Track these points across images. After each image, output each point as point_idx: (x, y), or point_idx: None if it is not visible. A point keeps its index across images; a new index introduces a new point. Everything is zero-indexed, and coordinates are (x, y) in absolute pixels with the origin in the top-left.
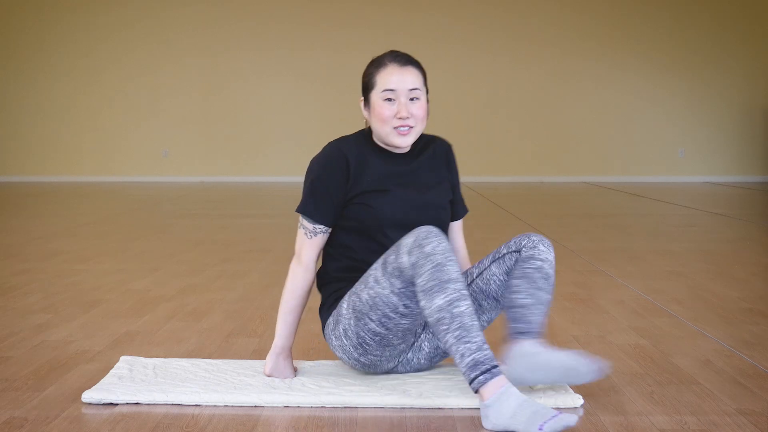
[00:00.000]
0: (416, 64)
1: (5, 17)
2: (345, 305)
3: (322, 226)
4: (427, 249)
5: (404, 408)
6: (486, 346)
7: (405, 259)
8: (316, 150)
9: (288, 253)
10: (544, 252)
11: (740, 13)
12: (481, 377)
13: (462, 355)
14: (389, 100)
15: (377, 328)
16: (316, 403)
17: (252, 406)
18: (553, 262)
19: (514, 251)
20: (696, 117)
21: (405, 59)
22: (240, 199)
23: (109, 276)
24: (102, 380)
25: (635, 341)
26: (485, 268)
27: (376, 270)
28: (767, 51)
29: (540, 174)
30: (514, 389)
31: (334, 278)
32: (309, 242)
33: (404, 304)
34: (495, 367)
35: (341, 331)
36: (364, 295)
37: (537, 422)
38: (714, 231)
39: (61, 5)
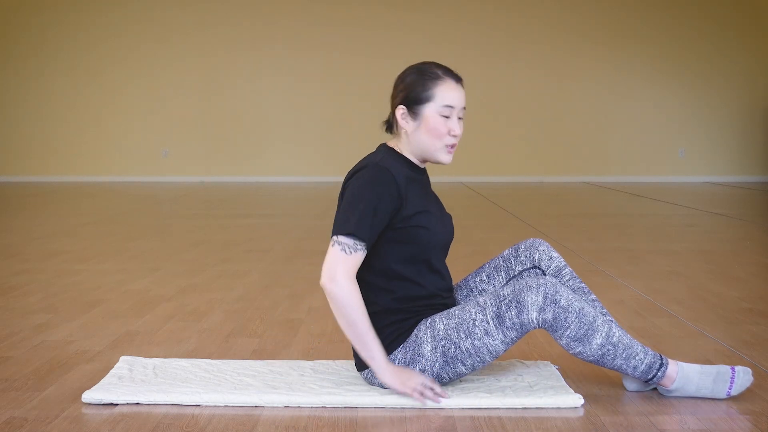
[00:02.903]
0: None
1: (5, 17)
2: (428, 347)
3: (363, 245)
4: (563, 303)
5: (404, 408)
6: (647, 348)
7: (535, 316)
8: (317, 150)
9: (287, 253)
10: (556, 257)
11: (740, 14)
12: (658, 373)
13: (635, 368)
14: (446, 116)
15: (465, 370)
16: (316, 403)
17: (252, 406)
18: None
19: (531, 267)
20: (696, 117)
21: (457, 76)
22: (240, 199)
23: (109, 276)
24: (102, 380)
25: None
26: (503, 287)
27: (485, 323)
28: (767, 51)
29: (540, 174)
30: (686, 366)
31: (389, 311)
32: (349, 258)
33: (505, 349)
34: (662, 359)
35: (417, 370)
36: (465, 344)
37: (723, 388)
38: (714, 231)
39: (61, 5)
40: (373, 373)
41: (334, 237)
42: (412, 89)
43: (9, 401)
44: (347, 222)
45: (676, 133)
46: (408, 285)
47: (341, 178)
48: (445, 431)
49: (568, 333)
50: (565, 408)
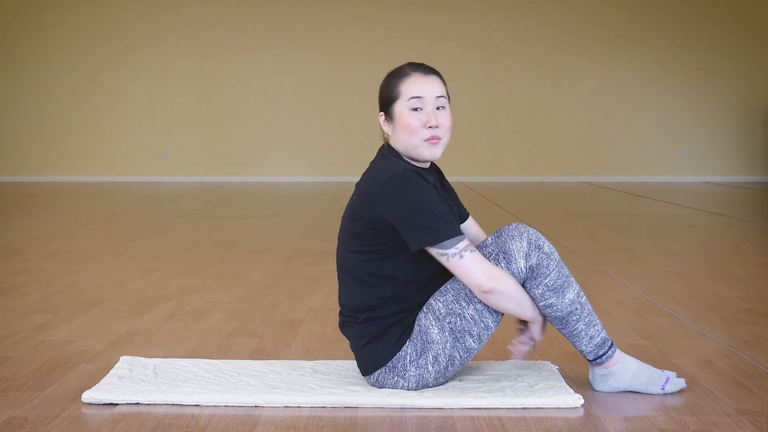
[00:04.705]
0: (439, 74)
1: (5, 17)
2: (436, 330)
3: (464, 235)
4: (546, 249)
5: (404, 408)
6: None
7: (523, 264)
8: (317, 150)
9: (287, 253)
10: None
11: (740, 14)
12: (609, 351)
13: (591, 337)
14: (416, 109)
15: (473, 344)
16: (316, 403)
17: (252, 406)
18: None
19: None
20: (696, 117)
21: (428, 68)
22: (240, 199)
23: (109, 276)
24: (102, 380)
25: (635, 341)
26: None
27: None
28: (767, 51)
29: (540, 174)
30: (629, 357)
31: (395, 313)
32: (476, 253)
33: None
34: (612, 342)
35: (430, 358)
36: (469, 311)
37: (657, 384)
38: (714, 231)
39: (61, 5)
40: (381, 377)
41: (444, 251)
42: (383, 92)
43: (9, 401)
44: (438, 231)
45: (676, 133)
46: (418, 286)
47: (341, 178)
48: (445, 431)
49: (546, 281)
50: (565, 408)
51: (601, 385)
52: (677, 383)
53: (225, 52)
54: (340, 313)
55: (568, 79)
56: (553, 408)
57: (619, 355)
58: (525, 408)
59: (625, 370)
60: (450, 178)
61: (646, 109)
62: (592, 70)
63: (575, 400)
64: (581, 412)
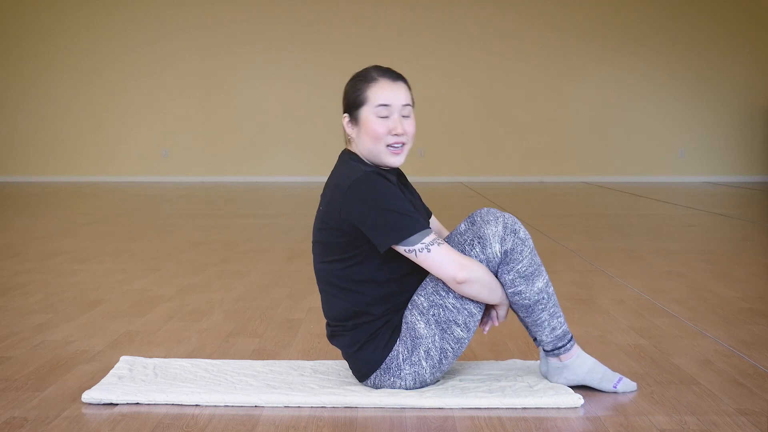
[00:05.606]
0: (405, 80)
1: (5, 17)
2: (422, 325)
3: (431, 229)
4: (521, 234)
5: (404, 408)
6: None
7: (498, 248)
8: (317, 150)
9: (287, 253)
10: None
11: (740, 14)
12: (567, 344)
13: (554, 328)
14: (383, 116)
15: (462, 333)
16: (316, 403)
17: (252, 406)
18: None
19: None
20: (696, 117)
21: (395, 74)
22: (240, 199)
23: (109, 276)
24: (102, 380)
25: (635, 341)
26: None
27: None
28: (767, 51)
29: (540, 174)
30: (587, 354)
31: (383, 314)
32: (444, 245)
33: None
34: (572, 336)
35: (422, 354)
36: (450, 300)
37: (610, 381)
38: (714, 231)
39: (61, 6)
40: (377, 380)
41: (411, 247)
42: (348, 95)
43: (9, 401)
44: (403, 228)
45: (676, 133)
46: (398, 284)
47: None
48: (445, 431)
49: (519, 267)
50: (565, 408)
51: (556, 378)
52: (629, 384)
53: (225, 53)
54: (328, 325)
55: (568, 79)
56: (553, 408)
57: (576, 349)
58: (525, 408)
59: (580, 365)
60: (450, 178)
61: (646, 109)
62: (592, 70)
63: (575, 400)
64: (581, 412)
